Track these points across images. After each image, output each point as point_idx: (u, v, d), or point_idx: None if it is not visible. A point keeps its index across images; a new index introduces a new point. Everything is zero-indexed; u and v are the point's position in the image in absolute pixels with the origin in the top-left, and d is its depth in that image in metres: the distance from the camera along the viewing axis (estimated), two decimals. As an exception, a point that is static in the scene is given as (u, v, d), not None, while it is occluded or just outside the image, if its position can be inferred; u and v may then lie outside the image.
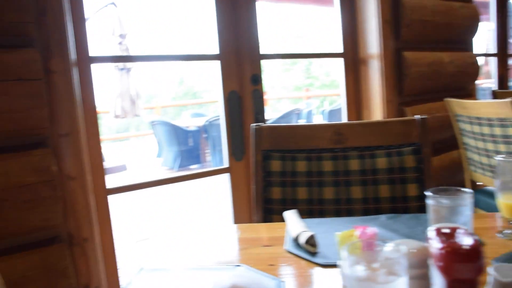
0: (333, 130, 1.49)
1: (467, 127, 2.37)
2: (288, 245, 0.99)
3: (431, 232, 0.52)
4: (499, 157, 0.94)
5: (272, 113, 8.11)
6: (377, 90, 2.64)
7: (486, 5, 4.15)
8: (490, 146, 2.20)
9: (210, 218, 4.32)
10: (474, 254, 0.46)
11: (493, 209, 1.76)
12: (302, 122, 7.62)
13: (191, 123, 6.93)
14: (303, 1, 6.87)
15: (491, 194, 2.38)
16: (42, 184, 1.53)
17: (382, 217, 1.16)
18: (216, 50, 2.19)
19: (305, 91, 11.48)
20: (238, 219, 2.27)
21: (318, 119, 9.02)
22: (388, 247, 0.66)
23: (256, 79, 2.25)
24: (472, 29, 3.13)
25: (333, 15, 2.71)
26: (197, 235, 1.13)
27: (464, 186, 2.57)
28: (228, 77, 2.21)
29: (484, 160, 2.29)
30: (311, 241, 0.95)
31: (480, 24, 3.21)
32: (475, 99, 3.19)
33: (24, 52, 1.47)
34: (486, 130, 2.20)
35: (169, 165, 6.58)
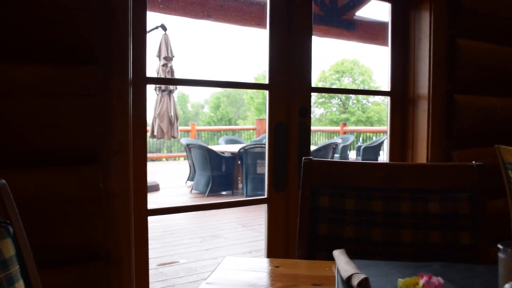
0: (386, 170, 1.45)
1: (517, 176, 2.28)
2: (339, 287, 0.95)
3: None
4: None
5: (312, 146, 8.09)
6: (424, 131, 2.59)
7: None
8: (543, 198, 2.10)
9: (238, 247, 4.27)
10: None
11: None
12: (337, 156, 7.56)
13: (226, 149, 6.97)
14: (357, 39, 6.90)
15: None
16: (87, 200, 1.54)
17: (435, 265, 1.11)
18: (266, 80, 2.21)
19: (342, 126, 11.43)
20: (271, 253, 2.23)
21: (352, 154, 8.93)
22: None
23: (304, 111, 2.25)
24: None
25: (385, 53, 2.71)
26: (238, 266, 1.11)
27: (510, 237, 2.46)
28: (276, 107, 2.21)
29: (535, 212, 2.19)
30: (364, 284, 0.91)
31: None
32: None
33: (87, 69, 1.51)
34: (539, 181, 2.11)
35: (200, 189, 6.61)
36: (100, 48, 1.56)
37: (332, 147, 6.58)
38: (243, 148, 6.21)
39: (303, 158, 1.45)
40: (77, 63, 1.51)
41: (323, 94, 25.46)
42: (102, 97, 1.56)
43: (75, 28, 1.49)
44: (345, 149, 8.19)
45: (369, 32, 6.33)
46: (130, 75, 1.68)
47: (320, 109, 26.71)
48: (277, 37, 2.21)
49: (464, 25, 2.64)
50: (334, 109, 26.66)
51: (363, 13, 6.59)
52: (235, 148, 6.70)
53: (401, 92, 2.68)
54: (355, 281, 0.92)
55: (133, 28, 1.70)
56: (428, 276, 0.72)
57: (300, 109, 2.24)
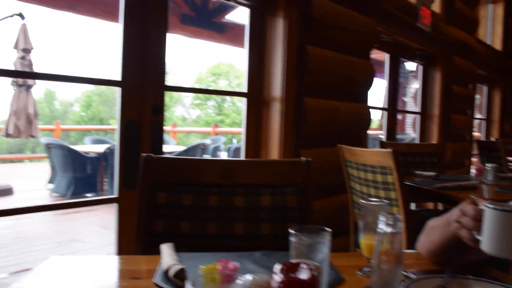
0: (222, 166, 1.50)
1: (354, 172, 2.53)
2: (157, 278, 0.96)
3: (276, 267, 0.54)
4: (362, 201, 1.01)
5: (179, 147, 8.05)
6: (276, 131, 2.74)
7: (383, 64, 4.54)
8: (372, 191, 2.36)
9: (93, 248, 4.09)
10: (308, 287, 0.48)
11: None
12: (208, 157, 7.64)
13: (91, 149, 6.62)
14: (227, 42, 7.01)
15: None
16: None
17: (257, 253, 1.18)
18: (118, 77, 2.15)
19: (213, 127, 11.57)
20: (122, 252, 2.17)
21: (224, 155, 9.09)
22: (244, 280, 0.67)
23: (158, 110, 2.23)
24: (368, 84, 3.40)
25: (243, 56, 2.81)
26: (72, 264, 1.07)
27: (348, 228, 2.71)
28: (128, 104, 2.16)
29: (368, 205, 2.44)
30: (180, 275, 0.94)
31: (375, 80, 3.49)
32: (366, 147, 3.43)
33: None
34: (369, 176, 2.36)
35: (61, 192, 6.18)
36: None
37: (201, 147, 6.63)
38: (109, 148, 5.96)
39: (142, 154, 1.44)
40: None
41: (199, 95, 25.50)
42: None
43: None
44: (215, 150, 8.30)
45: (238, 35, 6.53)
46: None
47: (196, 110, 26.77)
48: (131, 33, 2.16)
49: (314, 34, 2.85)
50: (210, 111, 26.90)
51: (233, 17, 6.78)
52: (101, 148, 6.39)
53: (256, 94, 2.80)
54: (171, 272, 0.94)
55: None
56: (226, 261, 0.77)
57: (153, 107, 2.22)
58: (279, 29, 2.76)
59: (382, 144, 3.28)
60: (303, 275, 0.50)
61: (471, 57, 5.43)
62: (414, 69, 9.12)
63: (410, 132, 10.34)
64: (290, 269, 0.52)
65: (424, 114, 4.87)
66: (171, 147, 7.75)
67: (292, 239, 0.80)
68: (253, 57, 2.79)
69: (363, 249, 1.04)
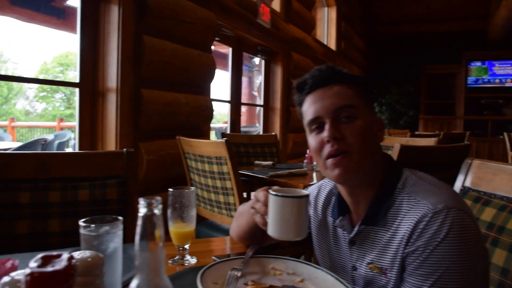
0: (38, 160, 1.40)
1: (193, 164, 2.56)
2: None
3: (32, 260, 0.50)
4: (171, 189, 1.01)
5: (16, 143, 7.33)
6: (113, 123, 2.63)
7: (226, 57, 4.66)
8: (210, 182, 2.41)
9: None
10: (57, 278, 0.46)
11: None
12: (50, 153, 7.06)
13: None
14: (68, 29, 6.48)
15: (214, 227, 2.60)
16: None
17: (69, 250, 1.12)
18: None
19: (58, 121, 10.74)
20: None
21: (69, 151, 8.51)
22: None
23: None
24: (209, 76, 3.46)
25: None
26: None
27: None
28: None
29: (206, 194, 2.49)
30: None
31: (216, 72, 3.57)
32: (209, 139, 3.49)
33: None
34: (206, 167, 2.40)
35: None
36: None
37: (41, 143, 6.11)
38: None
39: None
40: None
41: (45, 87, 23.45)
42: None
43: None
44: (61, 145, 7.73)
45: (80, 23, 6.11)
46: None
47: (42, 103, 24.56)
48: None
49: (151, 24, 2.79)
50: (58, 104, 24.91)
51: (75, 2, 6.33)
52: None
53: (91, 84, 2.65)
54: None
55: None
56: (7, 260, 0.71)
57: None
58: (114, 16, 2.65)
59: (224, 136, 3.38)
60: (57, 266, 0.48)
61: (308, 54, 5.89)
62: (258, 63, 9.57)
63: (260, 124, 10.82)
64: (46, 261, 0.49)
65: (267, 107, 5.14)
66: (5, 143, 7.00)
67: (82, 231, 0.77)
68: (87, 44, 2.64)
69: (172, 238, 1.05)
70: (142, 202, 0.54)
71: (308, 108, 0.98)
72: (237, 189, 2.29)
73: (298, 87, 1.02)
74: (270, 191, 0.91)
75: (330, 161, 0.94)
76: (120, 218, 0.77)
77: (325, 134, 0.93)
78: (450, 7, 9.37)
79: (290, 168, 2.91)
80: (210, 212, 2.51)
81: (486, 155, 9.42)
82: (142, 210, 0.54)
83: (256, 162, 3.30)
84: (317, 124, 0.96)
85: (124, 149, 1.45)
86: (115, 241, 0.76)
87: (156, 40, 2.82)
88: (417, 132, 8.06)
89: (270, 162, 3.24)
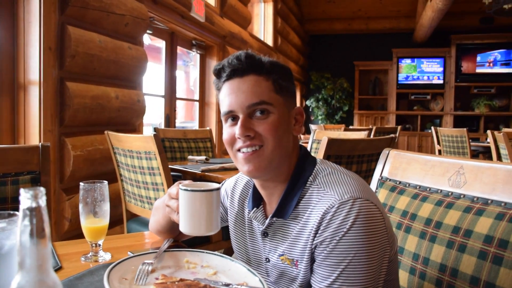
0: None
1: (122, 159, 2.48)
2: None
3: None
4: (82, 183, 0.97)
5: None
6: (36, 118, 2.50)
7: (160, 51, 4.57)
8: (140, 177, 2.35)
9: None
10: None
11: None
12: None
13: None
14: None
15: (145, 223, 2.54)
16: None
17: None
18: None
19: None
20: None
21: None
22: None
23: None
24: (140, 70, 3.37)
25: None
26: None
27: (121, 217, 2.66)
28: None
29: (136, 190, 2.43)
30: None
31: (152, 66, 3.49)
32: (141, 134, 3.41)
33: None
34: (136, 162, 2.34)
35: None
36: None
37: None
38: None
39: None
40: None
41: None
42: None
43: None
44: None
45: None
46: None
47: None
48: None
49: (75, 14, 2.67)
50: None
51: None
52: None
53: (10, 77, 2.50)
54: None
55: None
56: None
57: None
58: (34, 5, 2.51)
59: (156, 131, 3.31)
60: None
61: (244, 49, 5.88)
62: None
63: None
64: None
65: (203, 102, 5.10)
66: None
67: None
68: (4, 34, 2.48)
69: (85, 234, 1.00)
70: (25, 193, 0.50)
71: (224, 99, 0.97)
72: (167, 184, 2.25)
73: (216, 73, 1.00)
74: (180, 186, 0.89)
75: (241, 155, 0.93)
76: (18, 213, 0.72)
77: (237, 131, 0.92)
78: (380, 6, 9.75)
79: (224, 163, 2.89)
80: (141, 209, 2.45)
81: (416, 148, 9.90)
82: (26, 202, 0.51)
83: (190, 157, 3.27)
84: (231, 116, 0.96)
85: (40, 144, 1.37)
86: (12, 238, 0.71)
87: (82, 32, 2.70)
88: (351, 127, 8.32)
89: (203, 157, 3.21)
